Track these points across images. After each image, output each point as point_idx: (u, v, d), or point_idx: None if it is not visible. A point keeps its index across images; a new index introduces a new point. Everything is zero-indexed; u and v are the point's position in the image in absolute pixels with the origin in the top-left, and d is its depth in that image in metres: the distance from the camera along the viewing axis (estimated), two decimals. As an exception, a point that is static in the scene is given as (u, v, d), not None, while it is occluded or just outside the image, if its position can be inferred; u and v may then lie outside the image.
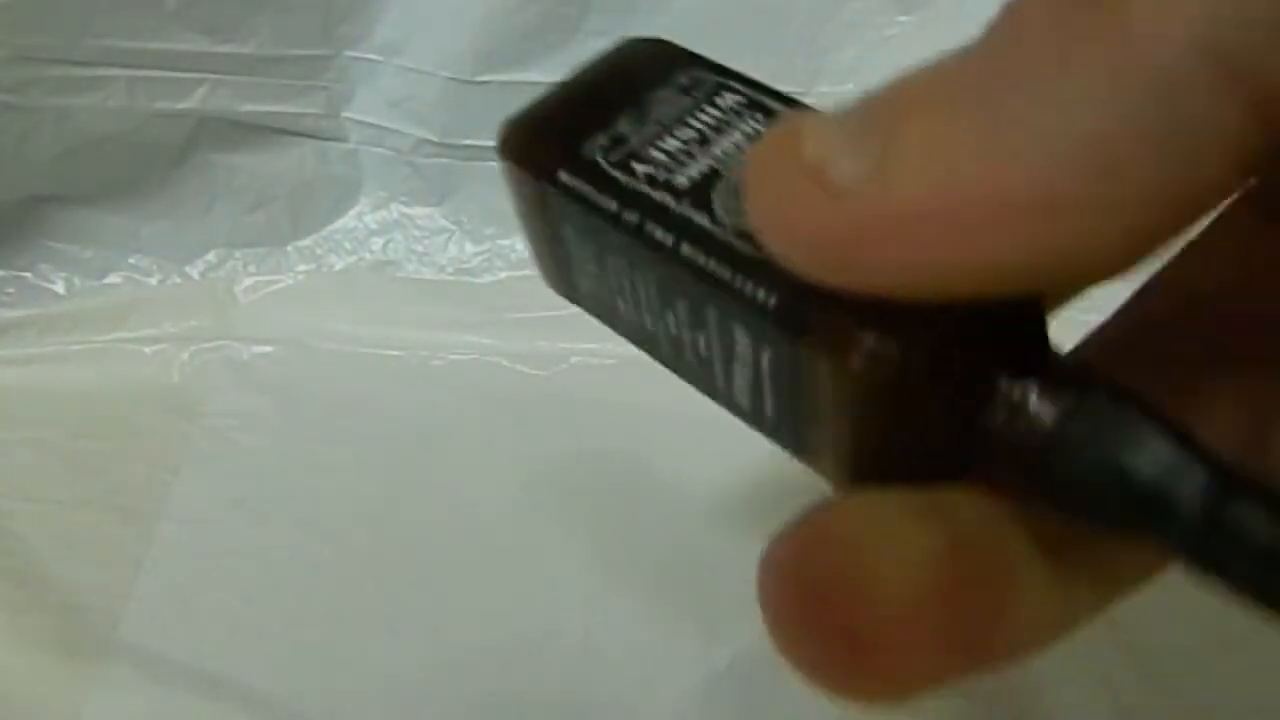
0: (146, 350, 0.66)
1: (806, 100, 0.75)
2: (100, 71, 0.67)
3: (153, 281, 0.74)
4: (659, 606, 0.46)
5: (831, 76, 0.72)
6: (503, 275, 0.78)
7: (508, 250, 0.78)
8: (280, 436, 0.59)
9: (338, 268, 0.77)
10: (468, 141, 0.76)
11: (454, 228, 0.79)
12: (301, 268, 0.77)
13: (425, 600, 0.47)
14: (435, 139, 0.76)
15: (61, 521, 0.52)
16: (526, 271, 0.78)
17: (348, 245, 0.79)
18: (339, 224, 0.79)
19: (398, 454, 0.57)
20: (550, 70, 0.72)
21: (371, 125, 0.76)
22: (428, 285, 0.75)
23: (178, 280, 0.74)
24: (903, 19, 0.70)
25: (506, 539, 0.51)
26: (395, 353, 0.67)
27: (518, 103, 0.78)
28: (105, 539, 0.51)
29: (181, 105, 0.70)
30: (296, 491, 0.54)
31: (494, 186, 0.76)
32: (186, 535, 0.51)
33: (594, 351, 0.65)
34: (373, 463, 0.57)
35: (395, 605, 0.47)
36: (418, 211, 0.79)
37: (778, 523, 0.17)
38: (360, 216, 0.79)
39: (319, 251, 0.78)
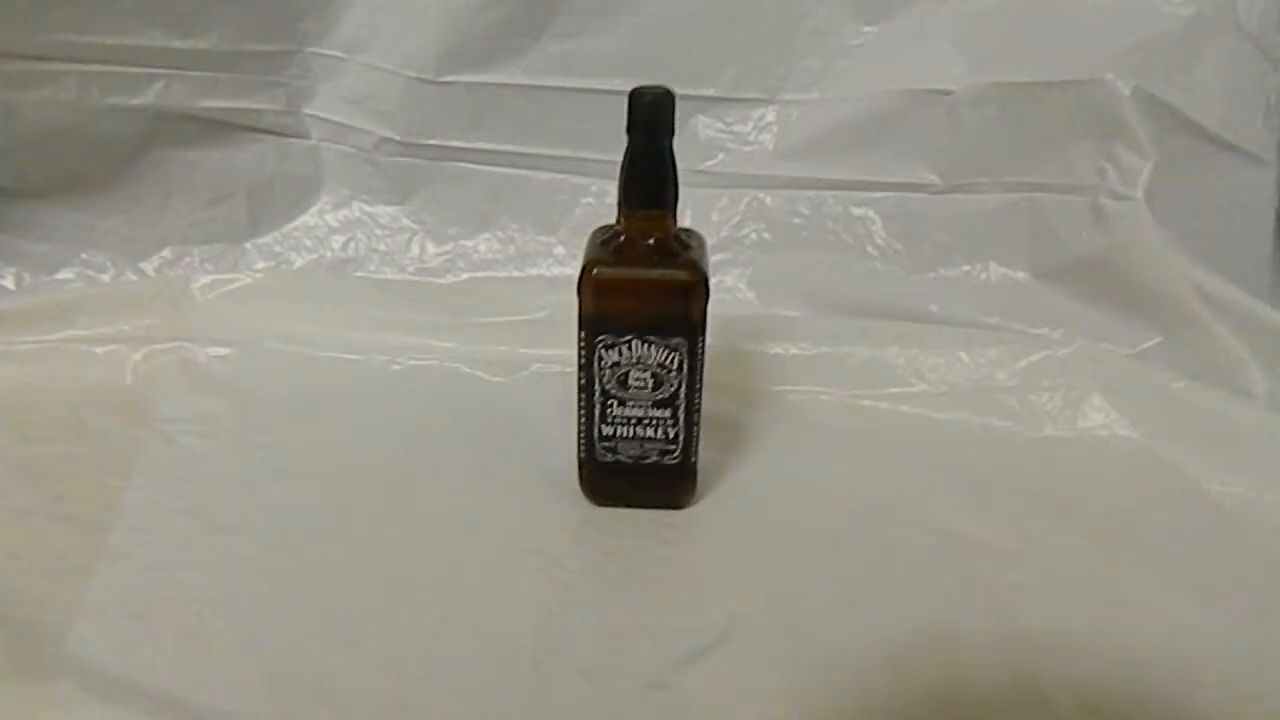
0: (98, 350, 0.65)
1: (771, 107, 0.76)
2: (52, 66, 0.65)
3: (106, 278, 0.72)
4: (620, 617, 0.47)
5: (796, 84, 0.72)
6: (465, 276, 0.78)
7: (470, 251, 0.78)
8: (235, 442, 0.59)
9: (297, 265, 0.76)
10: (431, 141, 0.75)
11: (416, 227, 0.78)
12: (260, 265, 0.76)
13: (379, 613, 0.47)
14: (398, 138, 0.74)
15: (9, 530, 0.51)
16: (489, 273, 0.77)
17: (308, 243, 0.78)
18: (299, 221, 0.78)
19: (355, 462, 0.57)
20: (515, 72, 0.72)
21: (333, 122, 0.75)
22: (389, 286, 0.75)
23: (132, 277, 0.73)
24: (867, 29, 0.70)
25: (465, 549, 0.51)
26: (354, 356, 0.66)
27: (482, 104, 0.78)
28: (54, 549, 0.50)
29: (137, 101, 0.68)
30: (250, 501, 0.54)
31: (457, 186, 0.77)
32: (137, 546, 0.50)
33: (554, 358, 0.65)
34: (329, 471, 0.56)
35: (348, 620, 0.46)
36: (379, 210, 0.77)
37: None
38: (321, 214, 0.78)
39: (278, 249, 0.77)
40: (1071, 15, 0.64)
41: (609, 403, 0.50)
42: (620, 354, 0.49)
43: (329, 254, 0.77)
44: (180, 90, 0.70)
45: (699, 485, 0.54)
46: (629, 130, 0.47)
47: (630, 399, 0.50)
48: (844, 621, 0.47)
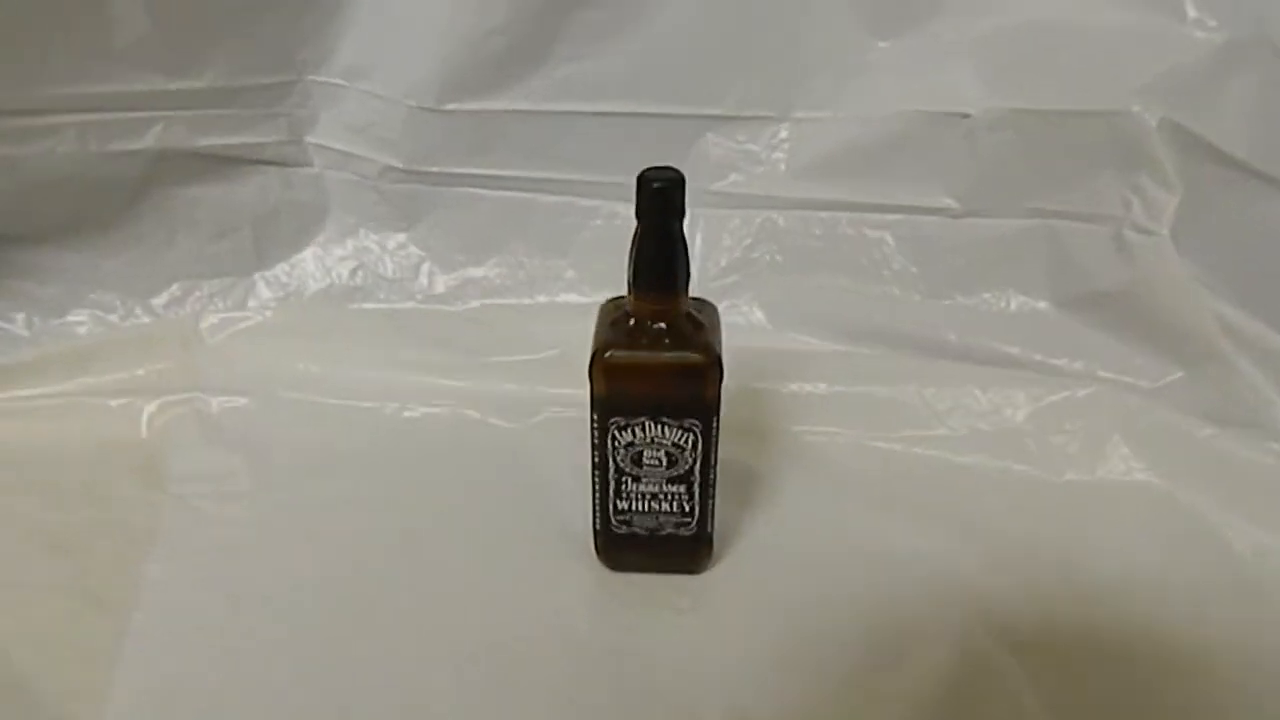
0: (113, 403, 0.65)
1: (784, 125, 0.75)
2: (49, 120, 0.64)
3: (114, 319, 0.71)
4: (635, 701, 0.47)
5: (809, 102, 0.69)
6: (475, 303, 0.77)
7: (479, 277, 0.77)
8: (250, 504, 0.59)
9: (307, 296, 0.75)
10: (435, 168, 0.73)
11: (424, 254, 0.77)
12: (268, 295, 0.75)
13: (397, 690, 0.47)
14: (402, 165, 0.73)
15: (34, 612, 0.52)
16: (499, 299, 0.76)
17: (316, 273, 0.76)
18: (306, 252, 0.77)
19: (368, 523, 0.57)
20: (518, 99, 0.70)
21: (336, 150, 0.73)
22: (398, 317, 0.74)
23: (141, 314, 0.72)
24: (881, 44, 0.68)
25: (479, 621, 0.51)
26: (367, 404, 0.66)
27: (486, 130, 0.77)
28: (79, 632, 0.50)
29: (136, 145, 0.67)
30: (266, 572, 0.54)
31: (463, 212, 0.75)
32: (160, 627, 0.51)
33: (567, 400, 0.64)
34: (343, 535, 0.56)
35: (367, 696, 0.47)
36: (386, 238, 0.76)
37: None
38: (327, 244, 0.77)
39: (286, 279, 0.76)
40: (1096, 39, 0.61)
41: (623, 479, 0.50)
42: (634, 434, 0.49)
43: (338, 282, 0.76)
44: (179, 130, 0.69)
45: (716, 544, 0.54)
46: (637, 214, 0.45)
47: (645, 476, 0.50)
48: (857, 708, 0.47)
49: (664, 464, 0.49)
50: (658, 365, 0.47)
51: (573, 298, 0.75)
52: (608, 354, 0.47)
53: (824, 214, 0.71)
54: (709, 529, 0.52)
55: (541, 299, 0.75)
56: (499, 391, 0.67)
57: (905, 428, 0.63)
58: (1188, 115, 0.59)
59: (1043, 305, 0.67)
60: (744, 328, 0.71)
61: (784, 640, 0.50)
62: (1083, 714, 0.46)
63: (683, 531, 0.52)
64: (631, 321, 0.47)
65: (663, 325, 0.47)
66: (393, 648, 0.50)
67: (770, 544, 0.56)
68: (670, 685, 0.48)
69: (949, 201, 0.68)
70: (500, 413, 0.65)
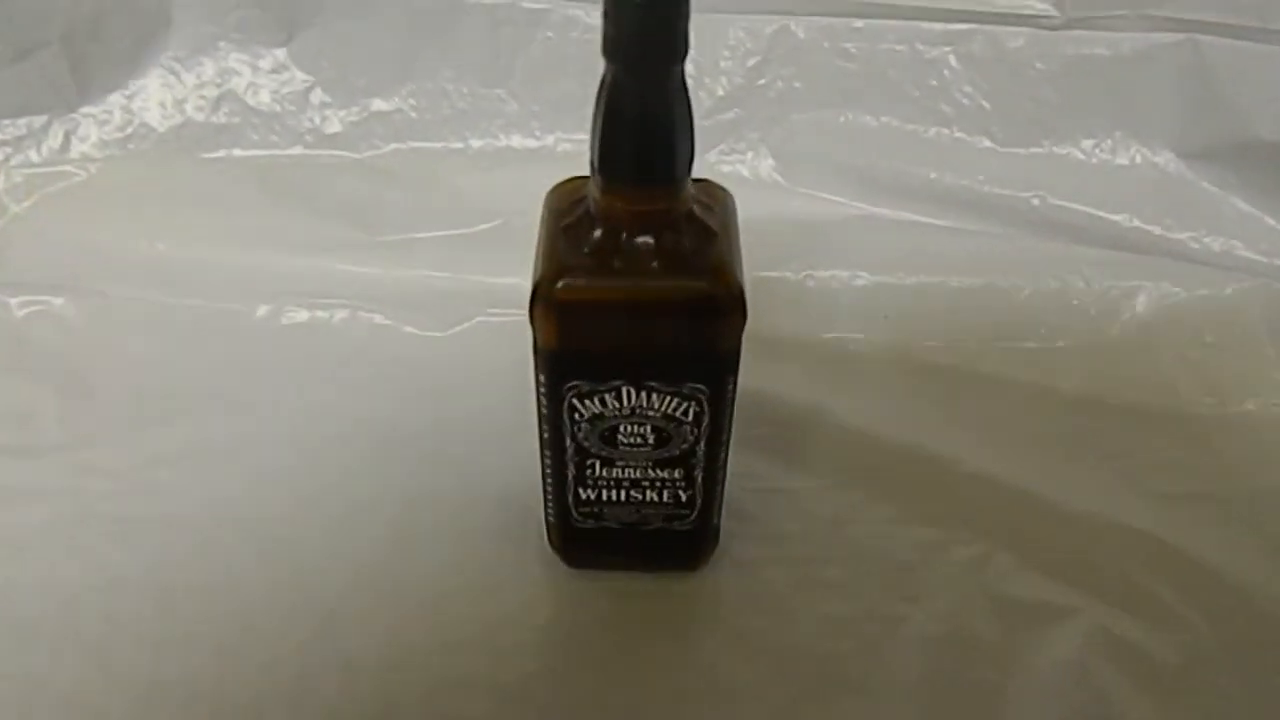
0: None
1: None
2: None
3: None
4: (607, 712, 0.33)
5: None
6: (382, 149, 0.57)
7: (389, 114, 0.57)
8: (62, 470, 0.41)
9: (150, 141, 0.56)
10: (316, -45, 0.53)
11: (311, 78, 0.57)
12: (96, 139, 0.55)
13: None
14: (268, -50, 0.52)
15: None
16: (414, 143, 0.57)
17: (162, 107, 0.56)
18: (148, 77, 0.56)
19: (231, 497, 0.40)
20: None
21: (170, -73, 0.52)
22: (279, 171, 0.55)
23: (-81, 170, 0.53)
24: None
25: (396, 636, 0.36)
26: (233, 306, 0.48)
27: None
28: None
29: None
30: (85, 576, 0.38)
31: (361, 19, 0.54)
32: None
33: (505, 295, 0.47)
34: (195, 518, 0.40)
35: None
36: (258, 56, 0.56)
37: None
38: (174, 64, 0.56)
39: (119, 118, 0.56)
40: None
41: (589, 463, 0.33)
42: (604, 404, 0.31)
43: (193, 120, 0.57)
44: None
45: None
46: (606, 50, 0.26)
47: (621, 458, 0.33)
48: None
49: (650, 443, 0.32)
50: (641, 301, 0.29)
51: (516, 140, 0.57)
52: (559, 284, 0.29)
53: (861, 22, 0.54)
54: (714, 520, 0.36)
55: (475, 143, 0.57)
56: (415, 283, 0.49)
57: (978, 334, 0.47)
58: None
59: (1167, 159, 0.51)
60: (749, 184, 0.55)
61: (816, 662, 0.35)
62: None
63: (676, 526, 0.35)
64: (598, 230, 0.29)
65: (649, 238, 0.29)
66: (265, 692, 0.34)
67: (794, 513, 0.40)
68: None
69: (1043, 6, 0.51)
70: (417, 315, 0.48)
